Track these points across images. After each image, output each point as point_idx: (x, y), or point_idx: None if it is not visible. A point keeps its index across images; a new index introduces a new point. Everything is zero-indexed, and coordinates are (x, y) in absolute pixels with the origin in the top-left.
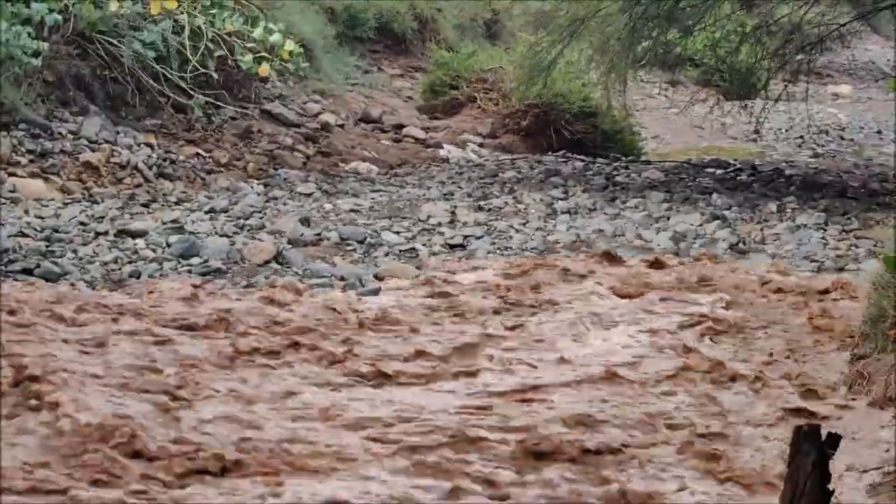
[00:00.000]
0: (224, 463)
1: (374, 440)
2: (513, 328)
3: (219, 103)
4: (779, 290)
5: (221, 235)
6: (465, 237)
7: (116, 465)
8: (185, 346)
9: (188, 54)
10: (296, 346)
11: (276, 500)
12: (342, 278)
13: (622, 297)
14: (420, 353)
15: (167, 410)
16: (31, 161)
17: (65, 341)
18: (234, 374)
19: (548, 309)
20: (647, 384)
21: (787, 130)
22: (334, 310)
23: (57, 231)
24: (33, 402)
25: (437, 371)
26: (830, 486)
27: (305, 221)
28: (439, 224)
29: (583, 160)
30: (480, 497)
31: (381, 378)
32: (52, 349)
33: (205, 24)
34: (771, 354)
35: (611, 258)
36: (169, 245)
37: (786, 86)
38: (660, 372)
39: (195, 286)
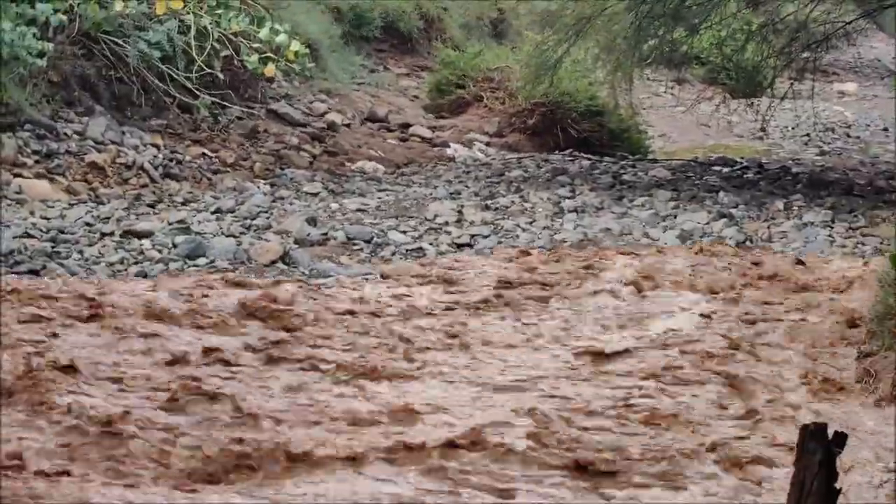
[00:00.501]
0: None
1: None
2: None
3: (225, 103)
4: None
5: (228, 236)
6: (472, 236)
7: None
8: None
9: (194, 54)
10: None
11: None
12: (349, 277)
13: None
14: None
15: None
16: (37, 162)
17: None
18: None
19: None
20: None
21: (793, 128)
22: None
23: (63, 232)
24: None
25: None
26: (837, 485)
27: (312, 221)
28: (446, 223)
29: (589, 159)
30: None
31: None
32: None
33: (210, 24)
34: None
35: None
36: (175, 245)
37: (792, 84)
38: None
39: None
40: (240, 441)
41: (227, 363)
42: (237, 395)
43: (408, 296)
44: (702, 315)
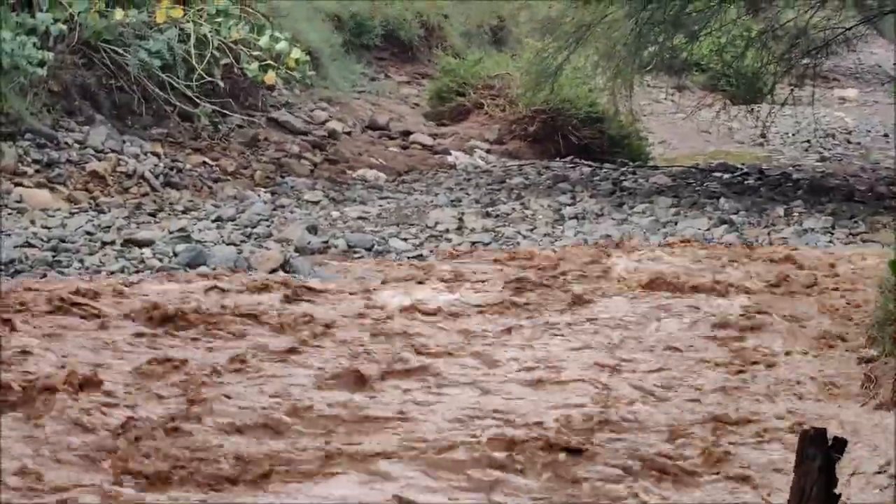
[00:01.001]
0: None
1: None
2: None
3: (225, 112)
4: None
5: (228, 244)
6: (473, 243)
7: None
8: None
9: (194, 63)
10: None
11: None
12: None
13: None
14: None
15: None
16: (38, 171)
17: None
18: None
19: None
20: None
21: (793, 134)
22: None
23: (63, 241)
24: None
25: None
26: (837, 491)
27: (313, 229)
28: (447, 230)
29: (590, 166)
30: None
31: None
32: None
33: (210, 32)
34: None
35: None
36: (176, 254)
37: (792, 90)
38: None
39: None
40: None
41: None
42: None
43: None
44: None
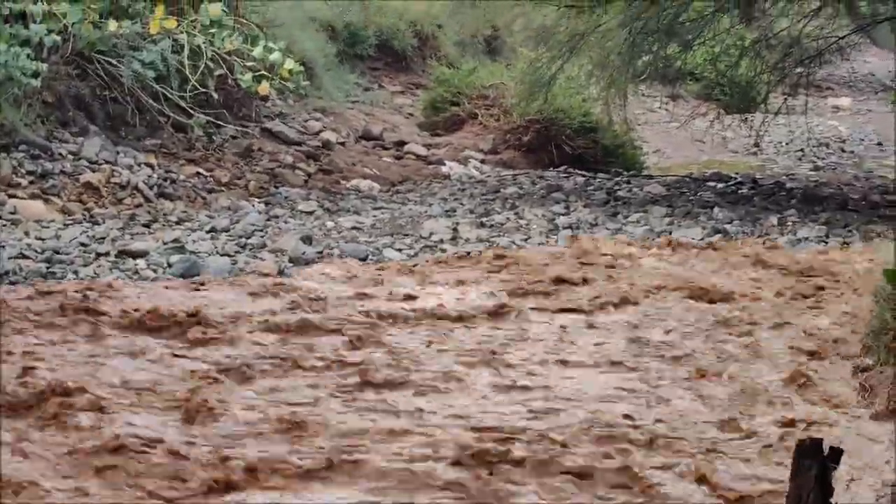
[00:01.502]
0: None
1: None
2: None
3: (219, 122)
4: None
5: (223, 255)
6: (467, 253)
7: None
8: None
9: (188, 73)
10: None
11: None
12: None
13: None
14: None
15: None
16: (32, 182)
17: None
18: None
19: None
20: None
21: (787, 143)
22: None
23: (58, 252)
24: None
25: None
26: (833, 501)
27: (307, 239)
28: (441, 240)
29: (584, 175)
30: None
31: None
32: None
33: (204, 43)
34: None
35: None
36: (170, 265)
37: (786, 99)
38: None
39: None
40: None
41: None
42: None
43: None
44: None
